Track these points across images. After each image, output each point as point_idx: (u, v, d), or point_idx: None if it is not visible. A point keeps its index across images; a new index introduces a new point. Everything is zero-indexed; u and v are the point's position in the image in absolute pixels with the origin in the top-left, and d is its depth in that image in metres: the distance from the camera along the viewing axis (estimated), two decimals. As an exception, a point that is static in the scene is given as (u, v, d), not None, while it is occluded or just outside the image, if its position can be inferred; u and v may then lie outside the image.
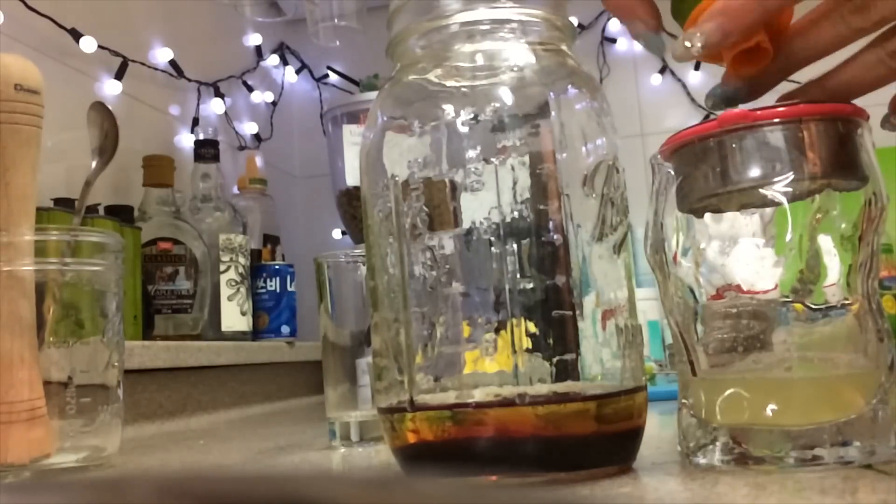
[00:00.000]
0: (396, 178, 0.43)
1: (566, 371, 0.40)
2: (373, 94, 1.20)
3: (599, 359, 0.42)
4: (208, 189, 1.23)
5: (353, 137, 1.32)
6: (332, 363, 0.67)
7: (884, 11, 0.42)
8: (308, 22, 1.45)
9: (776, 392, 0.40)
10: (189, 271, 1.12)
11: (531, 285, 0.40)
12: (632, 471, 0.41)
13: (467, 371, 0.41)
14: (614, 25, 1.70)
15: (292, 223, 1.65)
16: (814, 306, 0.41)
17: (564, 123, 0.43)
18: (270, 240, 1.42)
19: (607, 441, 0.41)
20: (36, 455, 0.53)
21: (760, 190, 0.41)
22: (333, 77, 1.77)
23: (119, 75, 1.18)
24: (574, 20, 0.51)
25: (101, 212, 1.02)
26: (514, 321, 0.40)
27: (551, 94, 0.43)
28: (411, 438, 0.42)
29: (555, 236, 0.41)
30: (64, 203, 0.92)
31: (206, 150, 1.24)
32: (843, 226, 0.42)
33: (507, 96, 0.43)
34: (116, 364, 0.59)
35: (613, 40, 1.70)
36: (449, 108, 0.43)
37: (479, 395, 0.40)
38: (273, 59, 1.69)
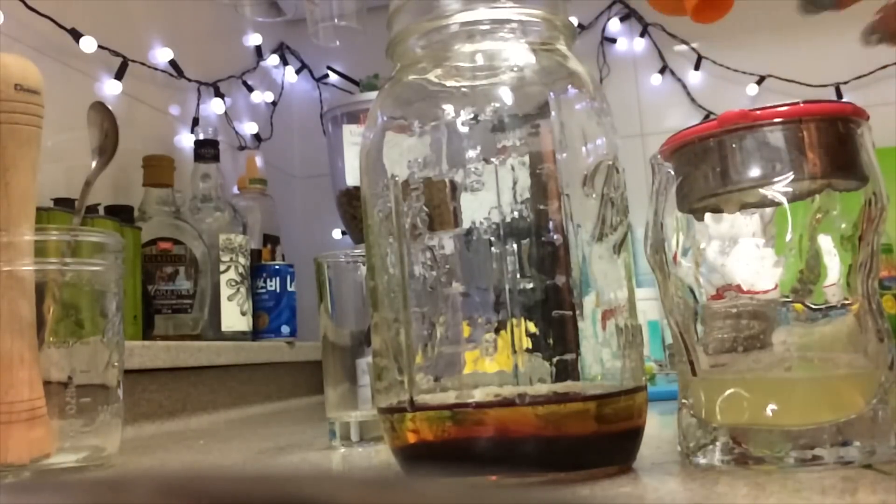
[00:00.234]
0: (396, 178, 0.43)
1: (566, 371, 0.40)
2: (373, 94, 1.20)
3: (599, 359, 0.42)
4: (208, 189, 1.23)
5: (353, 137, 1.32)
6: (332, 363, 0.67)
7: None
8: (308, 22, 1.45)
9: (776, 392, 0.40)
10: (189, 271, 1.12)
11: (531, 285, 0.40)
12: (632, 471, 0.41)
13: (467, 371, 0.41)
14: (614, 25, 1.70)
15: (292, 223, 1.65)
16: (814, 306, 0.41)
17: (564, 123, 0.43)
18: (270, 240, 1.42)
19: (607, 441, 0.41)
20: (36, 455, 0.53)
21: (760, 190, 0.41)
22: (333, 77, 1.77)
23: (119, 75, 1.18)
24: (574, 20, 0.51)
25: (101, 212, 1.02)
26: (514, 321, 0.40)
27: (551, 94, 0.43)
28: (411, 438, 0.42)
29: (555, 236, 0.41)
30: (64, 203, 0.92)
31: (206, 150, 1.24)
32: (843, 226, 0.42)
33: (507, 96, 0.43)
34: (116, 364, 0.59)
35: (613, 40, 1.70)
36: (449, 108, 0.43)
37: (479, 395, 0.40)
38: (273, 59, 1.69)
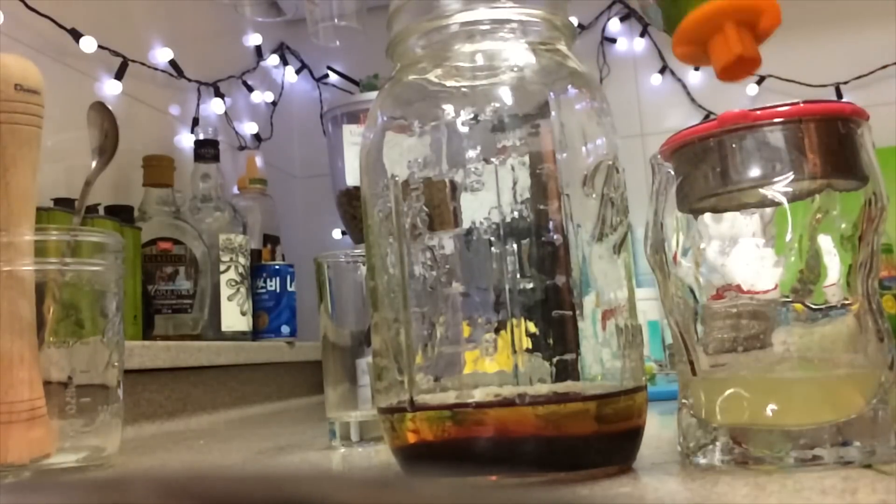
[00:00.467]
0: (396, 178, 0.43)
1: (566, 371, 0.40)
2: (373, 94, 1.20)
3: (599, 359, 0.42)
4: (208, 189, 1.23)
5: (353, 137, 1.32)
6: (332, 363, 0.67)
7: None
8: (308, 22, 1.45)
9: (776, 392, 0.40)
10: (189, 271, 1.12)
11: (531, 285, 0.40)
12: (632, 471, 0.41)
13: (467, 371, 0.41)
14: (614, 25, 1.70)
15: (292, 223, 1.65)
16: (814, 306, 0.41)
17: (564, 123, 0.43)
18: (270, 240, 1.42)
19: (607, 441, 0.41)
20: (36, 455, 0.53)
21: (760, 190, 0.41)
22: (333, 77, 1.77)
23: (119, 75, 1.18)
24: (574, 20, 0.51)
25: (101, 212, 1.02)
26: (514, 321, 0.40)
27: (551, 94, 0.43)
28: (411, 438, 0.42)
29: (555, 236, 0.41)
30: (64, 203, 0.92)
31: (206, 150, 1.24)
32: (843, 226, 0.42)
33: (507, 96, 0.43)
34: (116, 364, 0.59)
35: (613, 40, 1.70)
36: (449, 108, 0.43)
37: (479, 395, 0.40)
38: (273, 59, 1.69)
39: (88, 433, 0.56)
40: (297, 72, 1.76)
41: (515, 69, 0.44)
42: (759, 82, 1.59)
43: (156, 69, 1.29)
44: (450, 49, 0.45)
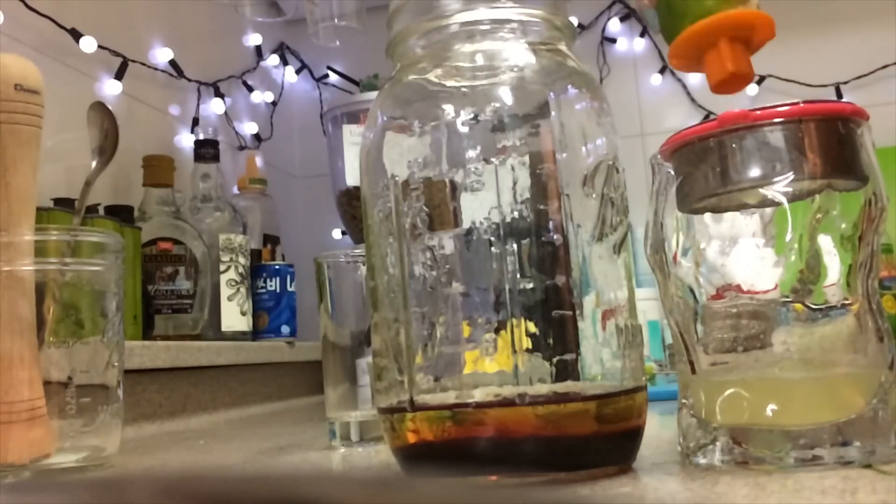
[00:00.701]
0: (396, 178, 0.43)
1: (566, 371, 0.40)
2: (373, 94, 1.20)
3: (599, 359, 0.42)
4: (208, 189, 1.23)
5: (353, 137, 1.32)
6: (332, 363, 0.67)
7: None
8: (308, 22, 1.45)
9: (776, 392, 0.40)
10: (189, 271, 1.12)
11: (531, 285, 0.40)
12: (632, 471, 0.41)
13: (467, 371, 0.41)
14: (614, 25, 1.70)
15: (292, 223, 1.65)
16: (814, 306, 0.41)
17: (564, 123, 0.43)
18: (270, 240, 1.42)
19: (607, 441, 0.41)
20: (36, 455, 0.53)
21: (760, 190, 0.41)
22: (333, 77, 1.77)
23: (119, 75, 1.18)
24: (574, 20, 0.51)
25: (101, 212, 1.02)
26: (514, 321, 0.40)
27: (551, 94, 0.43)
28: (411, 438, 0.42)
29: (555, 236, 0.41)
30: (64, 203, 0.92)
31: (206, 150, 1.24)
32: (843, 226, 0.42)
33: (507, 96, 0.43)
34: (116, 364, 0.59)
35: (613, 40, 1.70)
36: (449, 108, 0.43)
37: (479, 395, 0.40)
38: (273, 59, 1.69)
39: (88, 433, 0.56)
40: (297, 72, 1.76)
41: (515, 69, 0.44)
42: (759, 82, 1.59)
43: (156, 69, 1.29)
44: (450, 49, 0.45)
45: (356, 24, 1.42)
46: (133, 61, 1.20)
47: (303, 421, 1.00)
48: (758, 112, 0.41)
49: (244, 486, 0.16)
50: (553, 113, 0.43)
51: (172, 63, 1.32)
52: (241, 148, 1.54)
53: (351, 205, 1.36)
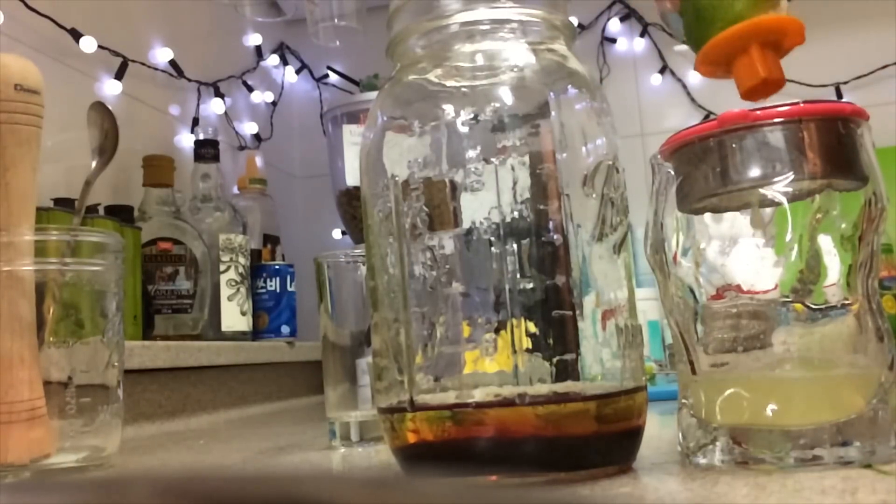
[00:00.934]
0: (396, 178, 0.43)
1: (566, 371, 0.40)
2: (373, 94, 1.20)
3: (599, 359, 0.42)
4: (208, 189, 1.23)
5: (353, 137, 1.32)
6: (332, 363, 0.67)
7: None
8: (308, 22, 1.45)
9: (776, 392, 0.40)
10: (189, 271, 1.12)
11: (531, 285, 0.40)
12: (632, 471, 0.41)
13: (467, 371, 0.41)
14: (614, 25, 1.70)
15: (292, 223, 1.65)
16: (814, 306, 0.41)
17: (564, 123, 0.43)
18: (270, 240, 1.42)
19: (607, 441, 0.41)
20: (36, 455, 0.53)
21: (760, 190, 0.41)
22: (333, 77, 1.77)
23: (119, 75, 1.18)
24: (574, 20, 0.51)
25: (101, 212, 1.02)
26: (514, 321, 0.40)
27: (551, 94, 0.43)
28: (411, 438, 0.42)
29: (555, 236, 0.41)
30: (64, 203, 0.92)
31: (206, 150, 1.24)
32: (843, 226, 0.42)
33: (507, 96, 0.43)
34: (116, 364, 0.59)
35: (613, 40, 1.70)
36: (449, 108, 0.43)
37: (479, 395, 0.40)
38: (273, 59, 1.69)
39: (88, 433, 0.56)
40: (297, 72, 1.76)
41: (515, 69, 0.44)
42: (759, 82, 1.59)
43: (156, 69, 1.29)
44: (450, 49, 0.45)
45: (356, 24, 1.42)
46: (133, 61, 1.20)
47: (303, 421, 1.00)
48: (758, 112, 0.41)
49: (244, 486, 0.16)
50: (553, 113, 0.43)
51: (172, 63, 1.32)
52: (241, 148, 1.54)
53: (351, 205, 1.36)
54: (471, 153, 0.41)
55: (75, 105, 0.80)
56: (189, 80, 1.36)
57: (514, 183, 0.41)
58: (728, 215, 0.43)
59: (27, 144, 0.55)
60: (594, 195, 0.43)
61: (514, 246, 0.40)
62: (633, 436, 0.42)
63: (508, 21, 0.44)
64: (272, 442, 0.73)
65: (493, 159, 0.41)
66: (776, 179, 0.40)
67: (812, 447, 0.38)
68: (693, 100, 1.64)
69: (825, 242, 0.42)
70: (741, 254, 0.43)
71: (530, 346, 0.40)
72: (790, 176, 0.40)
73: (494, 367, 0.40)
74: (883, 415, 0.39)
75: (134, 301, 1.01)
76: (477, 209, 0.41)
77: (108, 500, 0.16)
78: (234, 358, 1.14)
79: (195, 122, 1.38)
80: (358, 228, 1.34)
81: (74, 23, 1.09)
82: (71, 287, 0.57)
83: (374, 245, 0.44)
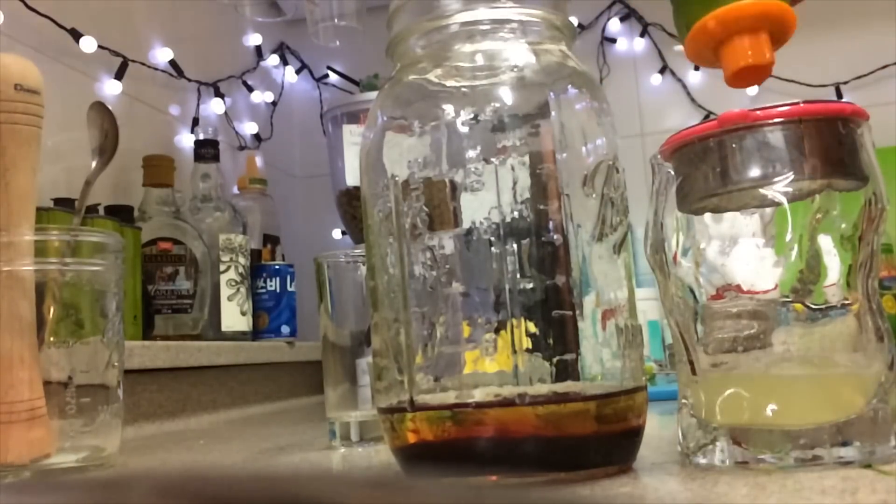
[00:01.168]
0: (396, 178, 0.43)
1: (566, 371, 0.40)
2: (373, 94, 1.20)
3: (599, 359, 0.42)
4: (208, 189, 1.23)
5: (353, 137, 1.32)
6: (332, 363, 0.67)
7: None
8: (308, 22, 1.45)
9: (776, 392, 0.40)
10: (189, 271, 1.12)
11: (531, 285, 0.40)
12: (632, 471, 0.41)
13: (467, 371, 0.41)
14: (614, 25, 1.70)
15: (292, 223, 1.65)
16: (814, 306, 0.41)
17: (564, 123, 0.43)
18: (270, 240, 1.42)
19: (607, 441, 0.41)
20: (36, 455, 0.53)
21: (760, 190, 0.41)
22: (333, 77, 1.77)
23: (119, 75, 1.18)
24: (574, 20, 0.51)
25: (101, 212, 1.02)
26: (514, 321, 0.40)
27: (551, 94, 0.43)
28: (411, 438, 0.42)
29: (555, 236, 0.41)
30: (64, 203, 0.92)
31: (206, 150, 1.24)
32: (843, 226, 0.42)
33: (507, 96, 0.43)
34: (116, 364, 0.59)
35: (613, 40, 1.70)
36: (449, 108, 0.43)
37: (479, 395, 0.40)
38: (273, 59, 1.69)
39: (88, 433, 0.56)
40: (297, 72, 1.76)
41: (515, 69, 0.44)
42: (759, 82, 1.59)
43: (156, 69, 1.29)
44: (450, 49, 0.45)
45: (356, 24, 1.42)
46: (133, 61, 1.20)
47: (303, 421, 1.00)
48: (758, 112, 0.41)
49: (244, 486, 0.16)
50: (553, 113, 0.43)
51: (172, 63, 1.32)
52: (241, 148, 1.54)
53: (351, 205, 1.36)
54: (471, 153, 0.41)
55: (75, 105, 0.80)
56: (189, 80, 1.36)
57: (514, 183, 0.41)
58: (728, 215, 0.43)
59: (27, 144, 0.55)
60: (594, 195, 0.43)
61: (514, 246, 0.40)
62: (633, 436, 0.42)
63: (508, 21, 0.44)
64: (272, 442, 0.73)
65: (493, 159, 0.41)
66: (776, 179, 0.40)
67: (812, 447, 0.38)
68: (693, 100, 1.64)
69: (825, 242, 0.42)
70: (741, 254, 0.43)
71: (530, 346, 0.40)
72: (790, 176, 0.40)
73: (494, 367, 0.40)
74: (883, 415, 0.39)
75: (134, 301, 1.01)
76: (477, 209, 0.41)
77: (108, 500, 0.16)
78: (234, 358, 1.14)
79: (195, 122, 1.38)
80: (358, 228, 1.34)
81: (74, 23, 1.09)
82: (71, 287, 0.57)
83: (374, 245, 0.44)
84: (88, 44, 1.10)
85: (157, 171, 1.13)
